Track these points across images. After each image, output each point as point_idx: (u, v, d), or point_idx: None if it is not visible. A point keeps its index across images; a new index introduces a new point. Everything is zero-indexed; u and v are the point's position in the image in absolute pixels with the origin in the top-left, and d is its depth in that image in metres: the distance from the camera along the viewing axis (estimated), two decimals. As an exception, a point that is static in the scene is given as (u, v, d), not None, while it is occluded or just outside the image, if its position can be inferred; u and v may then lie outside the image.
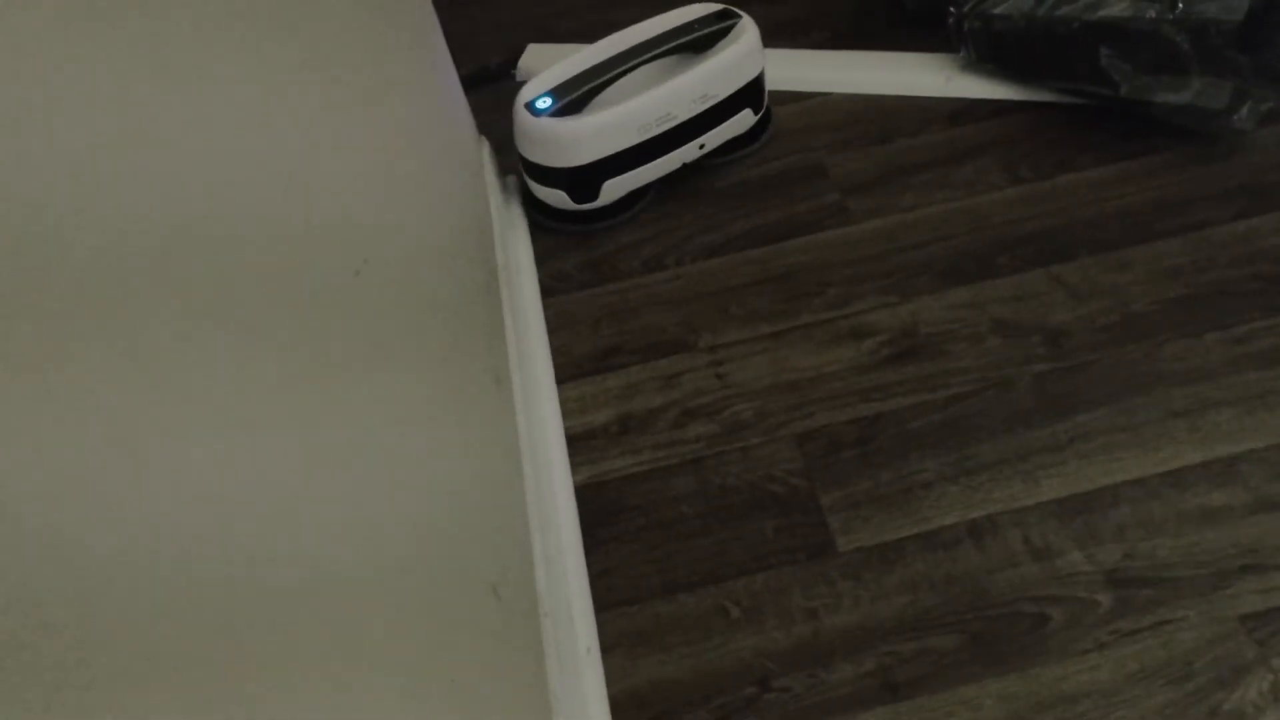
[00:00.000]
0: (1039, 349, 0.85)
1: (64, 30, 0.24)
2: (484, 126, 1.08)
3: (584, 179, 0.99)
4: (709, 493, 0.80)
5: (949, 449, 0.79)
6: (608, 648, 0.72)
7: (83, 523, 0.21)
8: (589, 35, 1.07)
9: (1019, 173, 1.00)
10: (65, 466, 0.21)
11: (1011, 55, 1.07)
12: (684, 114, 0.99)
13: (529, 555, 0.69)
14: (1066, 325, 0.86)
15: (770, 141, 1.08)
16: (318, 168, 0.44)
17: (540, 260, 1.01)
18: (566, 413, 0.88)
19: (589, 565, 0.77)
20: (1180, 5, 0.94)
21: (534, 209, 1.05)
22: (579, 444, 0.85)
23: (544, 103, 0.97)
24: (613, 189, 1.00)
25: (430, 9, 0.89)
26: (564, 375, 0.91)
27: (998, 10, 1.05)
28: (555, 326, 0.95)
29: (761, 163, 1.06)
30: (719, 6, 1.02)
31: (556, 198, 1.00)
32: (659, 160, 1.00)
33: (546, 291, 0.98)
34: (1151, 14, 0.95)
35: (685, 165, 1.03)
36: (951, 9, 1.08)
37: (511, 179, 1.09)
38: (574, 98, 0.96)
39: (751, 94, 1.03)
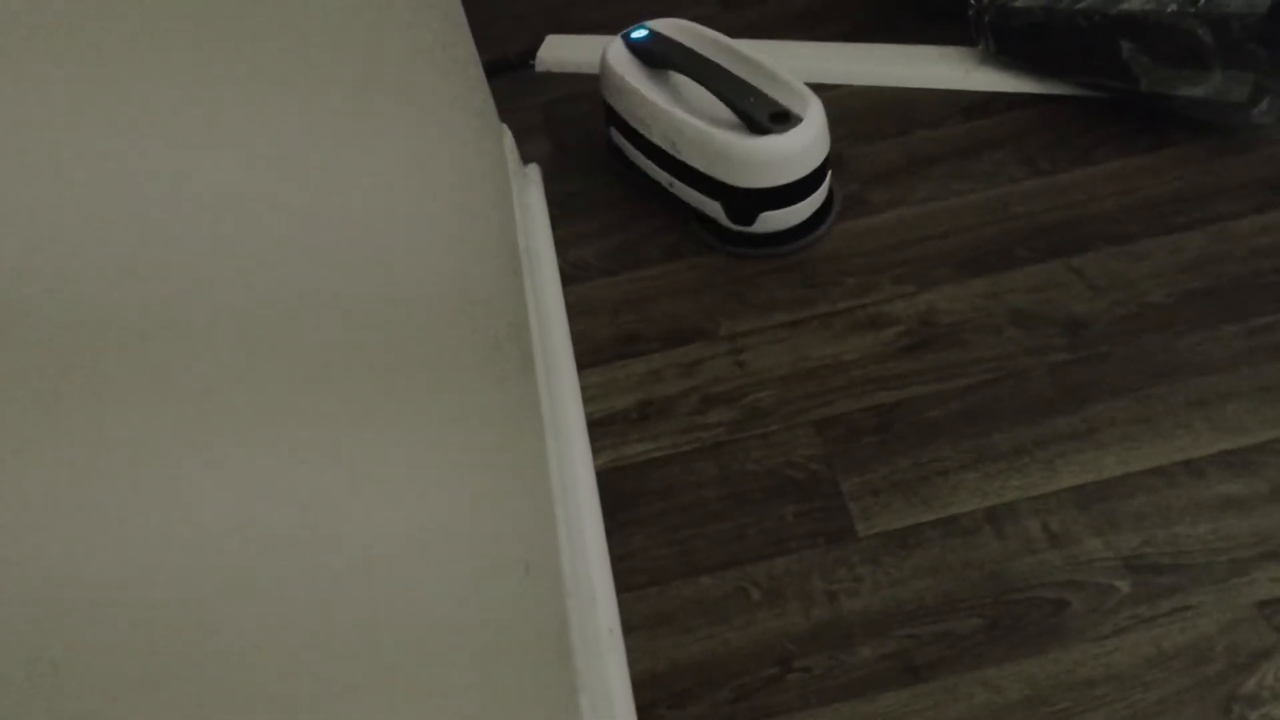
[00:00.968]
0: (1057, 339, 0.86)
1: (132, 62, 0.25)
2: (503, 115, 1.09)
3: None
4: (729, 477, 0.81)
5: (967, 437, 0.80)
6: (629, 629, 0.73)
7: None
8: (605, 26, 1.08)
9: (1038, 165, 1.01)
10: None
11: (1031, 48, 1.07)
12: (660, 142, 0.97)
13: (554, 537, 0.69)
14: (1084, 316, 0.87)
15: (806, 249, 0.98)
16: (364, 168, 0.44)
17: (560, 248, 1.02)
18: (587, 398, 0.89)
19: (610, 548, 0.78)
20: (1201, -1, 0.95)
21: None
22: (600, 429, 0.86)
23: (639, 34, 1.02)
24: (619, 141, 1.05)
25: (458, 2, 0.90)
26: (585, 361, 0.91)
27: (1018, 3, 1.05)
28: (576, 314, 0.96)
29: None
30: (787, 108, 0.92)
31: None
32: (645, 160, 1.02)
33: (567, 279, 0.99)
34: (1173, 7, 0.95)
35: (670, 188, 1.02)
36: (971, 2, 1.09)
37: (532, 167, 1.10)
38: (655, 54, 1.00)
39: (720, 193, 0.95)
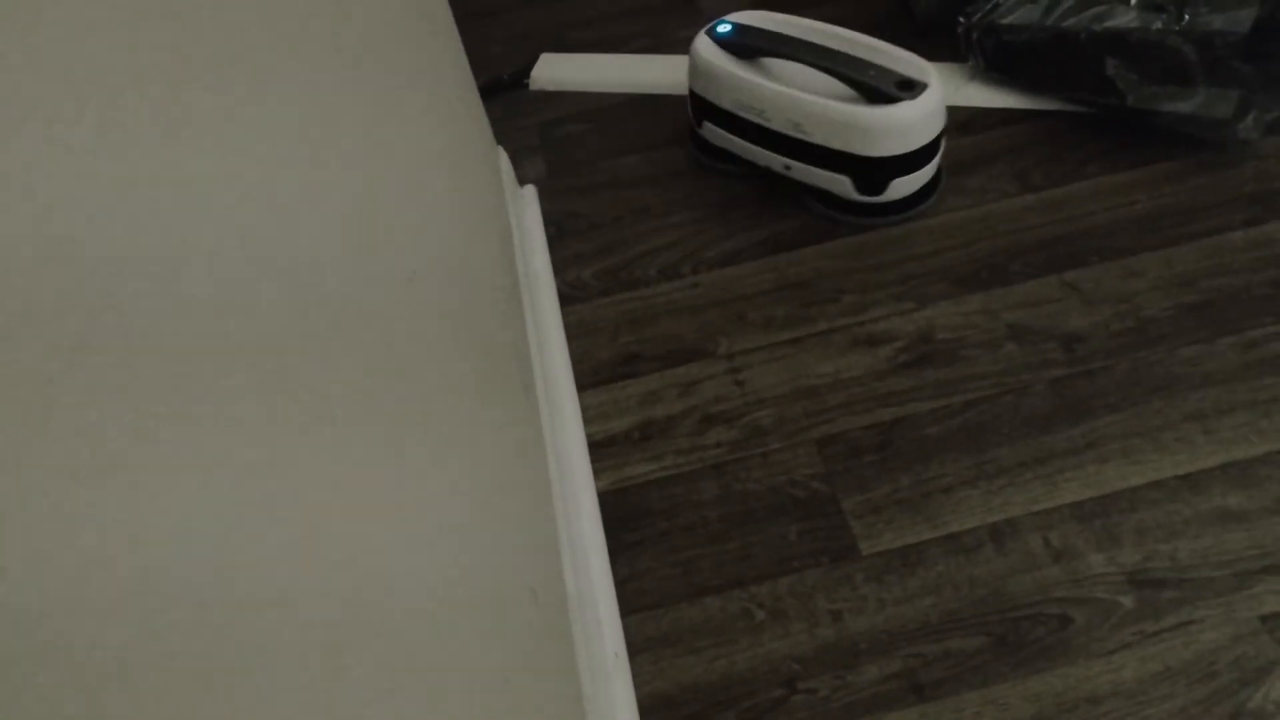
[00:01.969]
0: (1055, 354, 0.86)
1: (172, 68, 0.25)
2: (498, 136, 1.09)
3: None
4: (731, 497, 0.81)
5: (968, 453, 0.80)
6: (635, 651, 0.73)
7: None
8: (600, 48, 1.09)
9: (1030, 180, 1.02)
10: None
11: (1020, 65, 1.09)
12: (779, 126, 0.99)
13: (558, 560, 0.69)
14: (1081, 330, 0.87)
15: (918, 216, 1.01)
16: (370, 187, 0.45)
17: (558, 269, 1.02)
18: (588, 419, 0.88)
19: (614, 570, 0.77)
20: (1186, 16, 0.96)
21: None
22: (601, 450, 0.86)
23: (724, 28, 1.03)
24: (716, 136, 1.07)
25: (452, 24, 0.90)
26: (584, 382, 0.91)
27: (1006, 20, 1.06)
28: (575, 334, 0.96)
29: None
30: (909, 76, 0.95)
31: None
32: (754, 147, 1.03)
33: (565, 300, 0.99)
34: (1158, 25, 0.97)
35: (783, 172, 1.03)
36: (961, 19, 1.10)
37: (529, 189, 1.10)
38: (748, 44, 1.01)
39: (851, 166, 0.97)
